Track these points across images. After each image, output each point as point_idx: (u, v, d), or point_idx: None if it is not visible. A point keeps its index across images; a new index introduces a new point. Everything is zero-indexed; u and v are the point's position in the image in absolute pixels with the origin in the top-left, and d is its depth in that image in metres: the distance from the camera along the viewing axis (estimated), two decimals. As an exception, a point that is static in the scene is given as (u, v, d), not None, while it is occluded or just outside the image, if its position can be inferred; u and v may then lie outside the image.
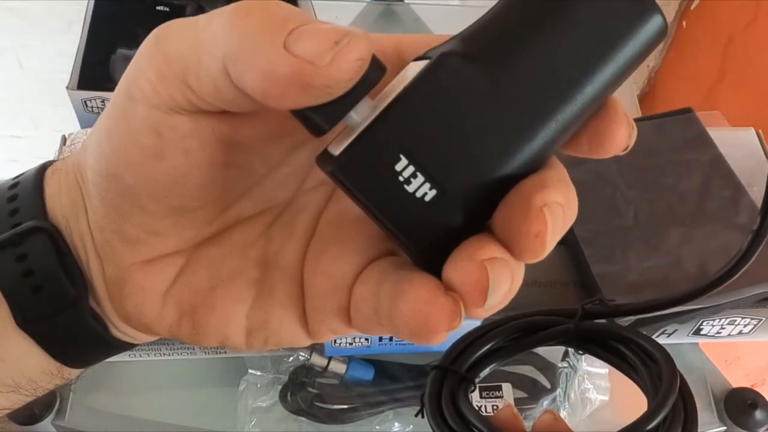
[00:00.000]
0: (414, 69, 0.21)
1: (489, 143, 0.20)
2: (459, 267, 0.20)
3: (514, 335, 0.29)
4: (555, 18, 0.20)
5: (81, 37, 0.71)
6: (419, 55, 0.22)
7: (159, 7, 0.74)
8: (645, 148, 0.62)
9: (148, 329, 0.25)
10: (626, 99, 0.84)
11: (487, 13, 0.21)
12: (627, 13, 0.20)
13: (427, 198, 0.20)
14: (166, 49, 0.21)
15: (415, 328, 0.20)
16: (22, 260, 0.24)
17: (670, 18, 1.24)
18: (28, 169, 0.26)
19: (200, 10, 0.72)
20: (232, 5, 0.19)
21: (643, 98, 1.34)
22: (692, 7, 1.19)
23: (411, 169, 0.20)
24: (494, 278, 0.20)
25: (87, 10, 0.73)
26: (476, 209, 0.21)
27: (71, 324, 0.25)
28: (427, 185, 0.20)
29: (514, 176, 0.20)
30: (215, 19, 0.20)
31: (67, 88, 0.66)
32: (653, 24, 0.21)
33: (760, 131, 0.66)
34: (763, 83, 1.01)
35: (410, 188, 0.20)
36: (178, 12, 0.73)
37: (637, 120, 0.65)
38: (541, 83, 0.20)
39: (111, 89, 0.79)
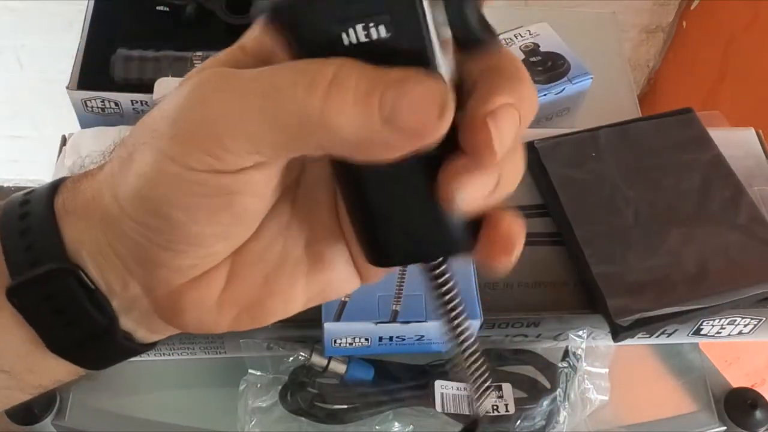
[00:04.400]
0: None
1: None
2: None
3: None
4: None
5: (81, 37, 0.71)
6: None
7: (159, 7, 0.74)
8: (645, 148, 0.62)
9: (205, 332, 0.25)
10: (626, 99, 0.84)
11: None
12: None
13: None
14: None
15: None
16: (50, 299, 0.24)
17: (670, 18, 1.24)
18: (34, 194, 0.25)
19: (200, 9, 0.72)
20: None
21: (643, 98, 1.34)
22: (692, 7, 1.19)
23: None
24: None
25: (87, 10, 0.73)
26: None
27: (102, 347, 0.26)
28: None
29: None
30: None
31: (67, 88, 0.66)
32: None
33: (760, 131, 0.66)
34: (763, 83, 1.01)
35: None
36: (177, 12, 0.73)
37: (637, 120, 0.65)
38: None
39: (111, 89, 0.78)
